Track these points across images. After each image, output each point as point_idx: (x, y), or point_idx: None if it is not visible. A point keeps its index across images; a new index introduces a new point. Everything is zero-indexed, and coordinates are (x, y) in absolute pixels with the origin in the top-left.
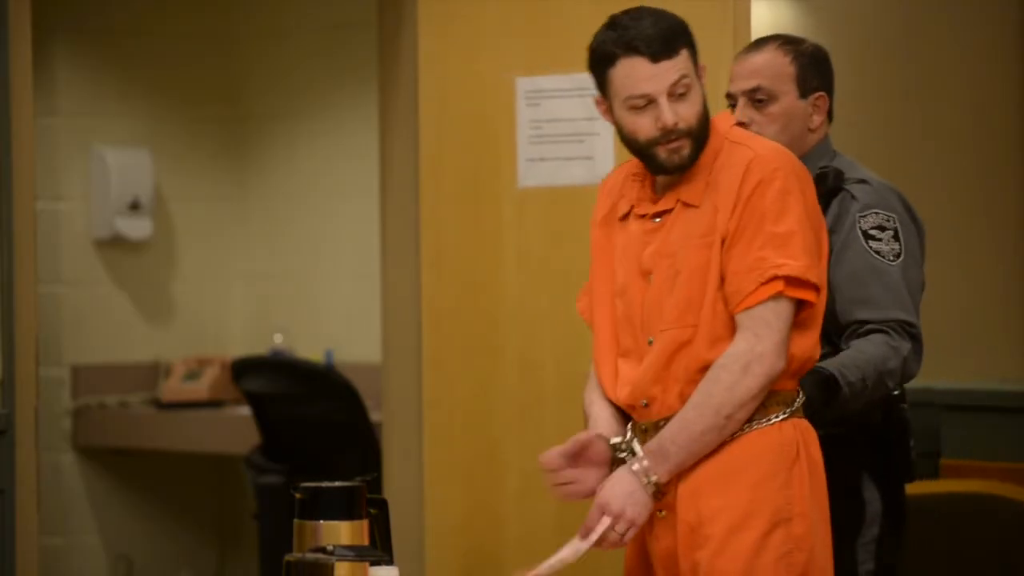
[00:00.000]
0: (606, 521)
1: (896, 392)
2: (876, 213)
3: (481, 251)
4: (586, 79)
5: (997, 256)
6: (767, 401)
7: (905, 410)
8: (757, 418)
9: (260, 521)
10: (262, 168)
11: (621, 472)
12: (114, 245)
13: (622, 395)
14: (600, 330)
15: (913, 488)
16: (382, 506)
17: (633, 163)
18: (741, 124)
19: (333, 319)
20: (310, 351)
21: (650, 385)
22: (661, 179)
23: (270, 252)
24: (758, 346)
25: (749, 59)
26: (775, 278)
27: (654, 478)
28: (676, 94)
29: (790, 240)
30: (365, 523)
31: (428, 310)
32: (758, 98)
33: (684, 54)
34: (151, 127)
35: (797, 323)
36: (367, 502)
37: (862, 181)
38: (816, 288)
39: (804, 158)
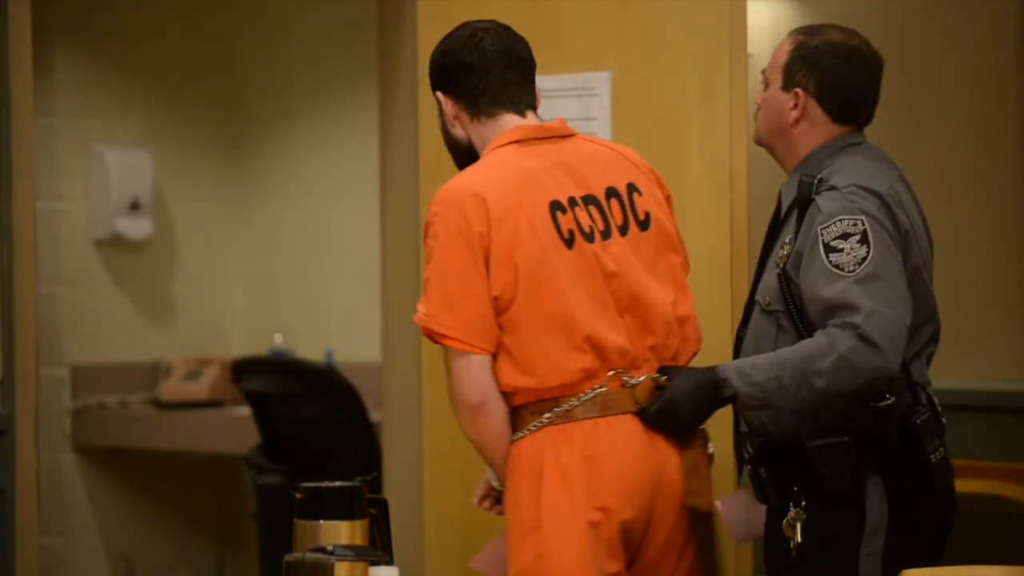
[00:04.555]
0: None
1: (888, 400)
2: (840, 220)
3: None
4: (584, 79)
5: (997, 256)
6: (522, 412)
7: (919, 418)
8: (515, 431)
9: (260, 521)
10: (262, 168)
11: None
12: (114, 245)
13: None
14: None
15: None
16: (382, 506)
17: None
18: (757, 104)
19: (333, 319)
20: (310, 351)
21: None
22: None
23: (270, 252)
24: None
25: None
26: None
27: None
28: None
29: (427, 287)
30: (365, 523)
31: None
32: (763, 82)
33: (439, 94)
34: (151, 127)
35: (501, 355)
36: (367, 502)
37: (831, 188)
38: (442, 334)
39: (797, 166)
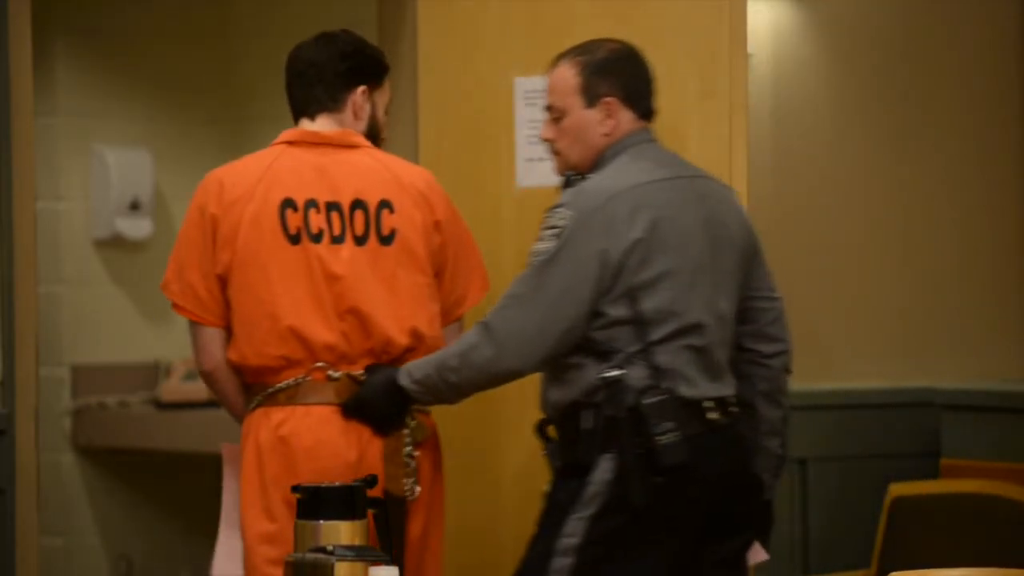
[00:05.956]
0: None
1: (615, 372)
2: (556, 212)
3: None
4: None
5: (997, 256)
6: (247, 394)
7: (652, 399)
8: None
9: None
10: None
11: None
12: (114, 245)
13: None
14: None
15: (913, 488)
16: (382, 506)
17: None
18: (547, 140)
19: None
20: None
21: None
22: None
23: None
24: None
25: (548, 77)
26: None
27: None
28: None
29: (170, 258)
30: (365, 523)
31: None
32: (554, 116)
33: None
34: (151, 127)
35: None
36: (367, 502)
37: (576, 184)
38: (173, 302)
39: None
